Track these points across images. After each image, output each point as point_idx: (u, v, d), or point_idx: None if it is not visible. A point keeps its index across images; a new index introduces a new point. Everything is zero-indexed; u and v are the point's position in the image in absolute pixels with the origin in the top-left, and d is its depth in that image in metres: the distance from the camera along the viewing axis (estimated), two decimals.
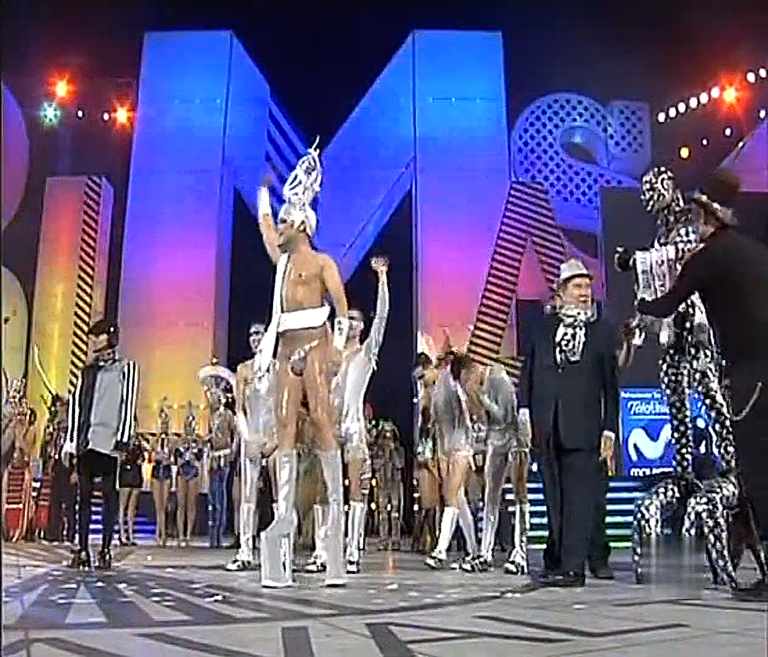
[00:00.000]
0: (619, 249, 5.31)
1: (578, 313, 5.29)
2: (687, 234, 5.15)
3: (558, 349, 5.23)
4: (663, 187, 5.37)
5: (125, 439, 6.65)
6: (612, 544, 5.96)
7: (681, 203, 5.31)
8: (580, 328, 5.25)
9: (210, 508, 11.73)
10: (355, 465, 6.52)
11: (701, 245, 4.50)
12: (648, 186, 5.41)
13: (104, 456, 6.62)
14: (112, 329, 7.00)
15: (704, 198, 4.41)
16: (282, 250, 5.38)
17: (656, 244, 5.29)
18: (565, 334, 5.26)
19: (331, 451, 5.13)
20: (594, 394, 5.20)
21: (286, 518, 5.02)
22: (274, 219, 5.61)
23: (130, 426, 6.70)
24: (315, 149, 5.61)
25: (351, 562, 6.20)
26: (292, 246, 5.35)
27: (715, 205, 4.38)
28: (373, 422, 11.70)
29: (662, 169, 5.47)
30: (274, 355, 5.29)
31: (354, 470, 6.53)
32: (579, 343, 5.21)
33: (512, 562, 6.36)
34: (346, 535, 5.80)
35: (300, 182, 5.46)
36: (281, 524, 4.99)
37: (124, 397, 6.69)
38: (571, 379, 5.17)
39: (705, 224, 4.42)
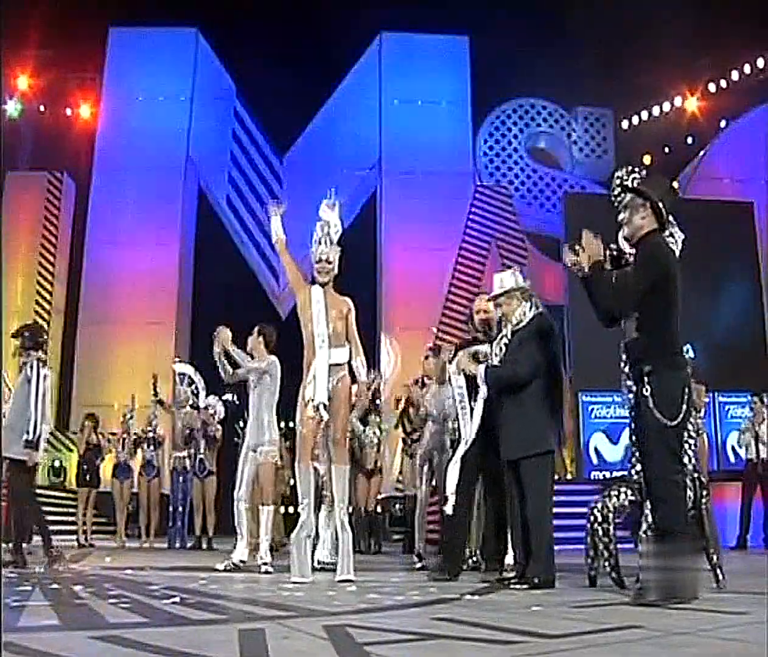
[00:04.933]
0: (613, 246, 4.78)
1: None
2: (671, 235, 5.08)
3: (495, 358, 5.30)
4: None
5: (33, 438, 6.67)
6: (572, 547, 6.00)
7: None
8: (506, 339, 5.30)
9: (171, 508, 11.64)
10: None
11: (645, 240, 4.32)
12: (618, 182, 5.11)
13: (7, 459, 6.64)
14: (26, 333, 7.06)
15: (654, 196, 4.36)
16: (320, 284, 5.89)
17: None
18: (499, 345, 5.37)
19: (342, 467, 5.71)
20: (526, 400, 5.10)
21: (308, 522, 5.65)
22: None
23: (39, 425, 6.71)
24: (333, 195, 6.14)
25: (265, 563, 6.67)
26: (328, 284, 5.92)
27: (661, 205, 4.35)
28: None
29: (634, 168, 5.17)
30: None
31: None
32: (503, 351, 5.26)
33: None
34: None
35: (329, 223, 6.01)
36: (305, 528, 5.62)
37: (30, 396, 6.72)
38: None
39: (642, 219, 4.31)
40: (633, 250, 4.43)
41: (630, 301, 4.21)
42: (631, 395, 4.47)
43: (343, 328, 5.82)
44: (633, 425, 4.44)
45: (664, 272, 4.19)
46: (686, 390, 4.12)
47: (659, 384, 4.09)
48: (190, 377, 11.52)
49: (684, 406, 4.07)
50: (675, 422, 4.05)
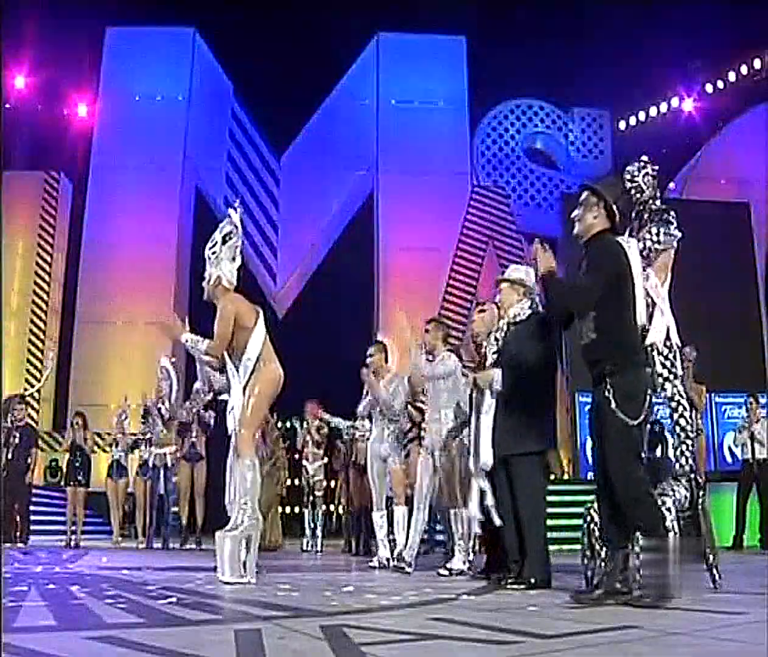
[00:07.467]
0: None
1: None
2: (658, 234, 5.05)
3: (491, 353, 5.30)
4: (644, 182, 5.23)
5: None
6: (569, 547, 5.99)
7: (658, 202, 5.19)
8: (501, 331, 5.32)
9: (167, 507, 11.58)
10: (396, 474, 7.33)
11: (595, 239, 4.33)
12: (629, 177, 5.24)
13: None
14: None
15: (608, 197, 4.34)
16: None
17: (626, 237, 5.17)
18: (495, 335, 5.39)
19: (246, 462, 5.29)
20: (521, 396, 5.06)
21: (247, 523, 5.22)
22: None
23: None
24: (237, 209, 6.16)
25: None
26: (215, 302, 5.76)
27: (615, 208, 4.33)
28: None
29: (646, 161, 5.28)
30: None
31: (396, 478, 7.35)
32: (498, 346, 5.27)
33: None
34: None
35: (216, 242, 5.95)
36: (248, 528, 5.19)
37: None
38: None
39: (594, 218, 4.32)
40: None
41: (585, 302, 4.23)
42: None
43: (240, 338, 5.61)
44: (594, 426, 4.29)
45: (617, 271, 4.20)
46: (648, 389, 4.16)
47: (622, 384, 4.08)
48: (168, 372, 11.49)
49: (646, 405, 4.08)
50: (637, 421, 4.04)
